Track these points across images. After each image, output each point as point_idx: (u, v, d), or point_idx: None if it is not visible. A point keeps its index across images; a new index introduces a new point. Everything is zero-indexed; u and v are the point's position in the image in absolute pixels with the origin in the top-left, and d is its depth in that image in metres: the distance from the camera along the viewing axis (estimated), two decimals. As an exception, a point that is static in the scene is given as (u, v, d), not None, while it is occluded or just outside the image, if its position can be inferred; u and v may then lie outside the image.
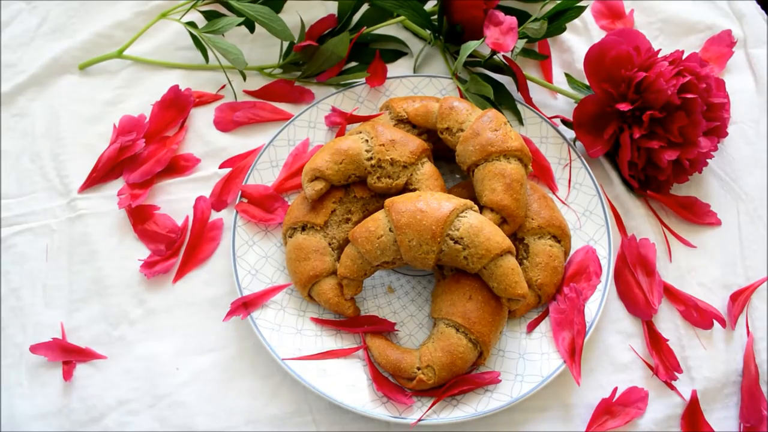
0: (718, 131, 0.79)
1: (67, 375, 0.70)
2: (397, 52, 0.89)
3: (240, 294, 0.72)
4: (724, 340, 0.74)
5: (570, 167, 0.79)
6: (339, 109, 0.81)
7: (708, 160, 0.81)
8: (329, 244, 0.73)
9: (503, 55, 0.83)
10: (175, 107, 0.83)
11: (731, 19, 0.93)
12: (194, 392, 0.70)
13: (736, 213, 0.81)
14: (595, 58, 0.77)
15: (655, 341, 0.73)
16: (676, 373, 0.71)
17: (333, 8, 0.88)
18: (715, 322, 0.74)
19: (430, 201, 0.67)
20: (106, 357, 0.71)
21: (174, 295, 0.74)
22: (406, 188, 0.74)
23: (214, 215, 0.78)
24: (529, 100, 0.83)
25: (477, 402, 0.68)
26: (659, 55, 0.77)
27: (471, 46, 0.80)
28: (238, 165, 0.80)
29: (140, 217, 0.78)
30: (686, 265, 0.78)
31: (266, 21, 0.80)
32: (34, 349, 0.70)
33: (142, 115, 0.83)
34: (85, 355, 0.71)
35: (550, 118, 0.82)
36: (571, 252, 0.76)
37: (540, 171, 0.80)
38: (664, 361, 0.72)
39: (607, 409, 0.70)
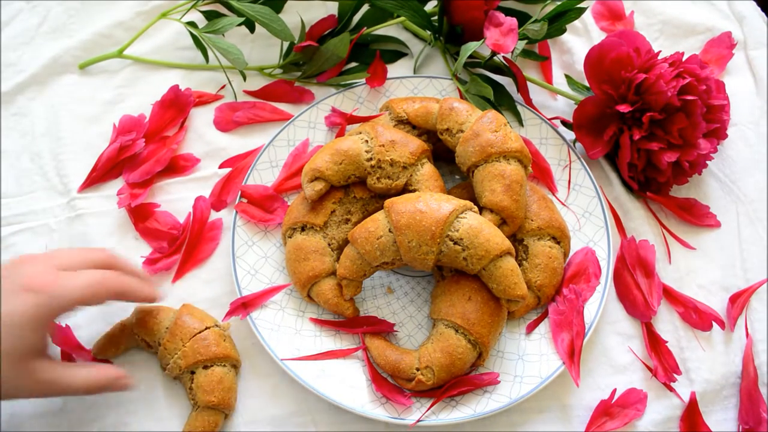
0: (717, 133, 0.79)
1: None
2: (397, 53, 0.89)
3: (239, 294, 0.72)
4: (723, 342, 0.74)
5: (570, 168, 0.79)
6: (339, 110, 0.81)
7: (707, 162, 0.81)
8: (329, 244, 0.73)
9: (503, 56, 0.83)
10: (175, 107, 0.83)
11: (731, 20, 0.93)
12: (193, 392, 0.70)
13: (736, 215, 0.81)
14: (595, 59, 0.77)
15: (654, 343, 0.73)
16: (675, 375, 0.71)
17: (333, 9, 0.88)
18: (714, 323, 0.74)
19: (429, 202, 0.67)
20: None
21: (173, 294, 0.74)
22: (405, 189, 0.74)
23: (214, 215, 0.78)
24: (529, 102, 0.83)
25: (476, 403, 0.68)
26: (659, 57, 0.77)
27: (471, 47, 0.80)
28: (238, 165, 0.80)
29: (141, 216, 0.78)
30: (685, 266, 0.78)
31: (266, 21, 0.80)
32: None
33: (142, 115, 0.83)
34: (84, 354, 0.71)
35: (549, 119, 0.82)
36: (571, 253, 0.76)
37: (540, 172, 0.80)
38: (663, 363, 0.72)
39: (605, 410, 0.70)
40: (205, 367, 0.67)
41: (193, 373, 0.67)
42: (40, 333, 0.59)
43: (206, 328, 0.68)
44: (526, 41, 0.80)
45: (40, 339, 0.60)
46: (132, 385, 0.65)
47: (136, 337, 0.69)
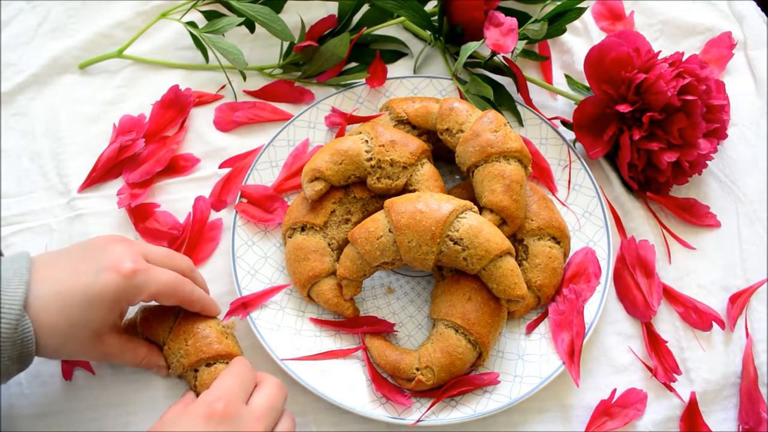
0: (717, 133, 0.79)
1: (67, 375, 0.70)
2: (397, 53, 0.89)
3: (239, 294, 0.72)
4: (723, 342, 0.74)
5: (570, 168, 0.79)
6: (339, 110, 0.81)
7: (707, 162, 0.81)
8: (329, 244, 0.73)
9: (503, 56, 0.83)
10: (175, 107, 0.83)
11: (731, 20, 0.93)
12: (193, 392, 0.70)
13: (736, 215, 0.81)
14: (595, 59, 0.77)
15: (654, 343, 0.73)
16: (675, 375, 0.71)
17: (333, 9, 0.88)
18: (714, 323, 0.74)
19: (429, 202, 0.67)
20: (105, 357, 0.71)
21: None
22: (405, 189, 0.74)
23: (214, 215, 0.78)
24: (529, 102, 0.83)
25: (476, 403, 0.68)
26: (659, 57, 0.77)
27: (471, 47, 0.80)
28: (238, 165, 0.80)
29: (141, 216, 0.77)
30: (685, 266, 0.78)
31: (266, 21, 0.80)
32: (33, 348, 0.70)
33: (142, 115, 0.83)
34: None
35: (549, 119, 0.82)
36: (571, 253, 0.76)
37: (540, 172, 0.80)
38: (663, 363, 0.72)
39: (605, 410, 0.70)
40: (208, 365, 0.67)
41: (196, 371, 0.67)
42: (115, 312, 0.62)
43: (209, 327, 0.68)
44: (526, 41, 0.80)
45: (114, 317, 0.63)
46: (167, 375, 0.69)
47: (140, 337, 0.69)
